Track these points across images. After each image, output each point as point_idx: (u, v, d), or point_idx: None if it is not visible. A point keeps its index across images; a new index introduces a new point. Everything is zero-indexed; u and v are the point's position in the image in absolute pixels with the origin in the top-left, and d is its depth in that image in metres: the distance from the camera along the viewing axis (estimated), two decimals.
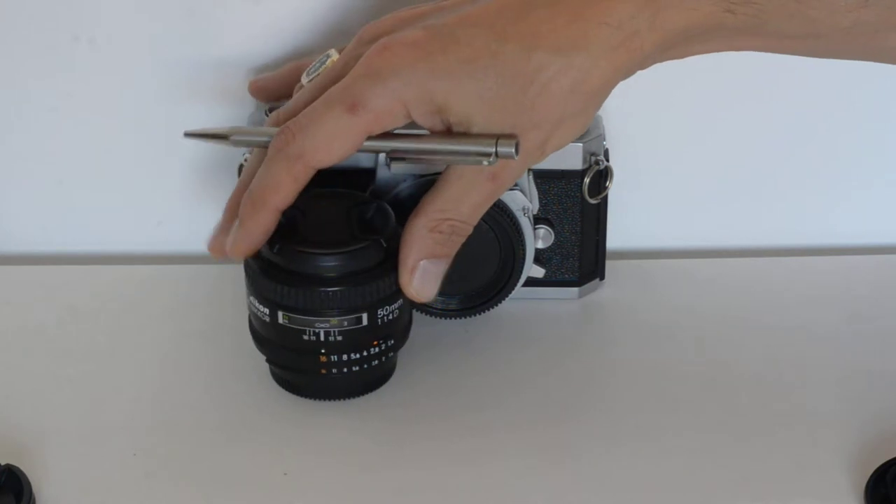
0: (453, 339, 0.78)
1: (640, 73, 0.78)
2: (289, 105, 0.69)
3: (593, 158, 0.78)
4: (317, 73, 0.72)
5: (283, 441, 0.71)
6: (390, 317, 0.71)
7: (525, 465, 0.70)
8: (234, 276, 0.75)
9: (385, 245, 0.70)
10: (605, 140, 0.79)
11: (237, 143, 0.71)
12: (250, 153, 0.72)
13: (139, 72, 0.83)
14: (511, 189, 0.76)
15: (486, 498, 0.68)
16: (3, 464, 0.66)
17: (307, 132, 0.66)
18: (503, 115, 0.65)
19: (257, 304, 0.71)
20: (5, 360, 0.77)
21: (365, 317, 0.70)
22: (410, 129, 0.67)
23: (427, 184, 0.71)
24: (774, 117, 0.85)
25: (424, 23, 0.66)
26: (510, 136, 0.65)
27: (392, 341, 0.72)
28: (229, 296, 0.79)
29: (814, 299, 0.82)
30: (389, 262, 0.70)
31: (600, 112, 0.81)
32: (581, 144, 0.78)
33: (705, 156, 0.86)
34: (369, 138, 0.66)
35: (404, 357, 0.75)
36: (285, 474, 0.69)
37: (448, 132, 0.66)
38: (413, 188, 0.75)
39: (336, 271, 0.70)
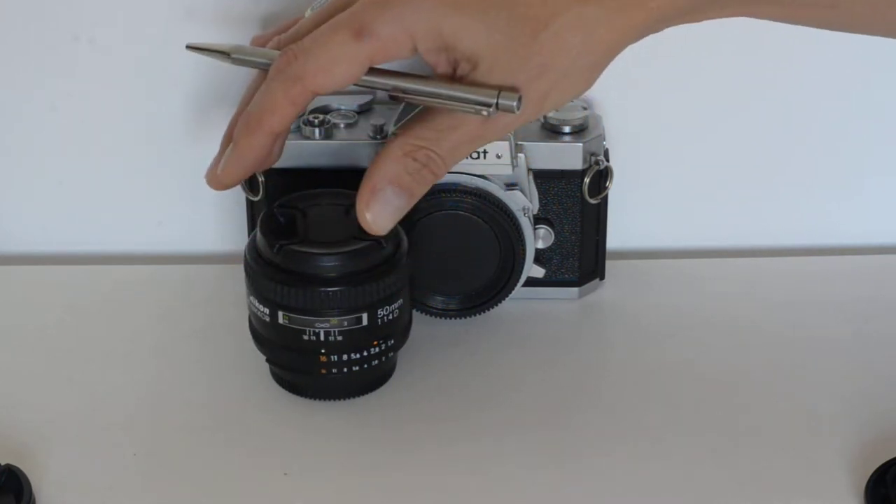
0: (453, 339, 0.78)
1: (640, 73, 0.78)
2: (291, 31, 0.68)
3: (593, 158, 0.78)
4: (321, 5, 0.70)
5: (283, 441, 0.71)
6: (390, 317, 0.71)
7: (524, 465, 0.70)
8: (234, 276, 0.75)
9: (384, 245, 0.70)
10: (605, 140, 0.79)
11: (237, 62, 0.69)
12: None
13: (139, 72, 0.83)
14: (511, 189, 0.76)
15: (486, 497, 0.68)
16: (3, 464, 0.66)
17: (310, 54, 0.64)
18: (510, 58, 0.63)
19: (257, 304, 0.71)
20: (5, 360, 0.77)
21: (365, 317, 0.70)
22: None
23: None
24: (774, 117, 0.85)
25: None
26: (513, 90, 0.63)
27: (392, 341, 0.72)
28: (229, 296, 0.79)
29: (814, 299, 0.82)
30: (389, 262, 0.70)
31: (600, 112, 0.81)
32: (581, 144, 0.78)
33: (705, 156, 0.86)
34: (370, 72, 0.65)
35: (404, 357, 0.75)
36: (285, 474, 0.69)
37: (450, 77, 0.65)
38: None
39: (336, 271, 0.69)
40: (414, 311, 0.76)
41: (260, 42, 0.76)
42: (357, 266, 0.70)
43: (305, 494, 0.68)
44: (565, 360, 0.77)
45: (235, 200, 0.82)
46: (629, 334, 0.79)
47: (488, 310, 0.78)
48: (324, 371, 0.71)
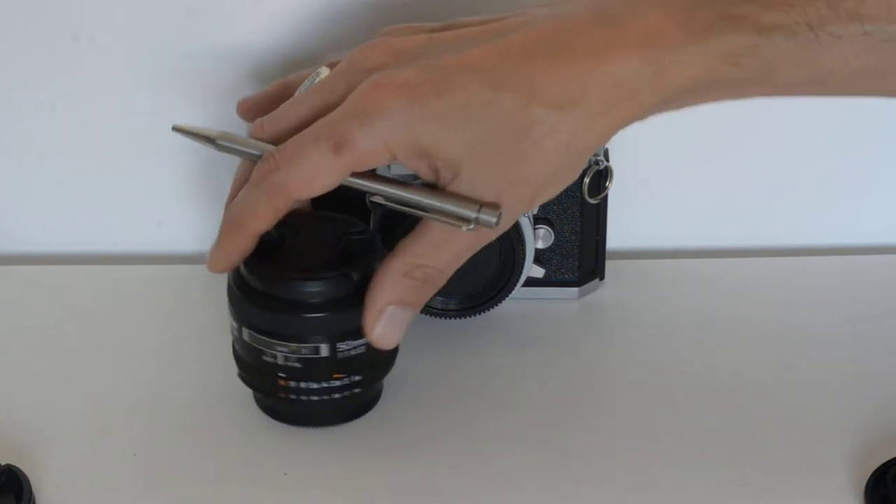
0: (453, 339, 0.78)
1: None
2: (274, 115, 0.68)
3: (593, 158, 0.78)
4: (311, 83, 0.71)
5: (284, 441, 0.71)
6: (353, 352, 0.69)
7: (524, 464, 0.70)
8: None
9: (355, 279, 0.68)
10: None
11: (222, 149, 0.70)
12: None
13: (139, 72, 0.83)
14: None
15: (485, 497, 0.68)
16: (3, 464, 0.66)
17: (291, 165, 0.65)
18: (492, 166, 0.63)
19: (231, 318, 0.70)
20: (5, 360, 0.77)
21: (324, 348, 0.68)
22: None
23: None
24: (774, 117, 0.85)
25: (420, 61, 0.64)
26: (493, 205, 0.64)
27: (358, 377, 0.70)
28: None
29: (814, 299, 0.82)
30: (356, 296, 0.68)
31: None
32: None
33: (705, 156, 0.86)
34: (353, 175, 0.65)
35: (403, 357, 0.75)
36: (285, 474, 0.69)
37: (433, 188, 0.65)
38: None
39: (298, 296, 0.68)
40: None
41: (245, 107, 0.77)
42: (321, 296, 0.68)
43: (305, 494, 0.68)
44: (565, 360, 0.77)
45: None
46: (629, 334, 0.79)
47: (488, 310, 0.78)
48: (282, 395, 0.70)
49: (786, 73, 0.63)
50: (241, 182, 0.69)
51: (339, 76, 0.68)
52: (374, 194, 0.67)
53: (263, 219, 0.67)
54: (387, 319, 0.67)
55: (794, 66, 0.63)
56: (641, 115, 0.64)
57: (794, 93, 0.66)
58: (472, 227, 0.64)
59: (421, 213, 0.66)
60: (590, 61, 0.62)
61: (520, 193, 0.65)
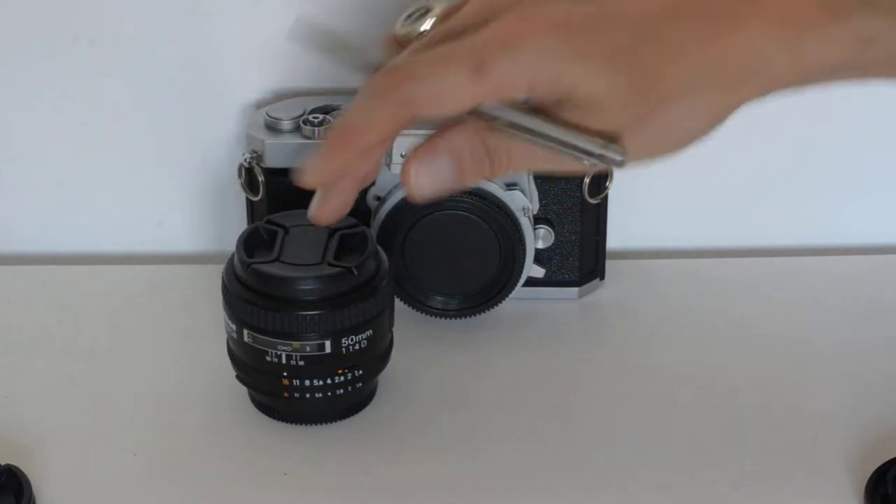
0: (453, 339, 0.78)
1: None
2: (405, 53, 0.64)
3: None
4: (417, 20, 0.66)
5: (284, 440, 0.71)
6: (356, 347, 0.69)
7: (524, 464, 0.70)
8: None
9: (355, 273, 0.68)
10: None
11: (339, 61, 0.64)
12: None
13: (139, 72, 0.83)
14: (511, 189, 0.76)
15: (485, 494, 0.68)
16: (3, 464, 0.66)
17: (422, 81, 0.61)
18: (618, 115, 0.62)
19: (228, 321, 0.70)
20: (5, 360, 0.77)
21: (328, 344, 0.69)
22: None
23: None
24: (775, 117, 0.85)
25: (560, 4, 0.62)
26: (618, 142, 0.61)
27: (360, 372, 0.70)
28: None
29: (814, 299, 0.82)
30: (359, 290, 0.68)
31: None
32: None
33: (705, 156, 0.86)
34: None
35: (402, 357, 0.75)
36: (285, 474, 0.69)
37: (558, 119, 0.62)
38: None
39: (300, 294, 0.68)
40: (414, 311, 0.76)
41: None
42: (323, 292, 0.68)
43: (305, 494, 0.68)
44: (565, 360, 0.77)
45: (235, 200, 0.82)
46: (629, 334, 0.79)
47: (488, 310, 0.78)
48: (286, 395, 0.70)
49: None
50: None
51: (468, 14, 0.64)
52: (496, 118, 0.62)
53: (382, 134, 0.61)
54: (433, 162, 0.63)
55: None
56: (770, 90, 0.63)
57: None
58: (593, 161, 0.61)
59: (544, 141, 0.62)
60: (730, 28, 0.61)
61: (633, 143, 0.62)
